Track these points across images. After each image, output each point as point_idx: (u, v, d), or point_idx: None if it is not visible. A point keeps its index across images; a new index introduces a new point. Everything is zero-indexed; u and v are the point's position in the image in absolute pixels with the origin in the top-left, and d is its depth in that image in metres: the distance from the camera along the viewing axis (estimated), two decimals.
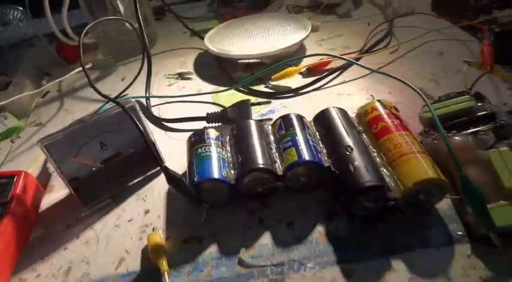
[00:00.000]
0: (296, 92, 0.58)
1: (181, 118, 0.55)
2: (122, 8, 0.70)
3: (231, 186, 0.40)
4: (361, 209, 0.38)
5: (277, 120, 0.46)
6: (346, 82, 0.60)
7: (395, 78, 0.47)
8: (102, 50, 0.78)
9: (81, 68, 0.49)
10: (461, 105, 0.44)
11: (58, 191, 0.48)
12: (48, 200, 0.47)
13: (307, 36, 0.65)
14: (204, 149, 0.43)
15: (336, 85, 0.59)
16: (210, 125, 0.54)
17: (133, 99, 0.45)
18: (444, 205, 0.38)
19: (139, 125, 0.40)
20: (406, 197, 0.36)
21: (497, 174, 0.36)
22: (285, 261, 0.36)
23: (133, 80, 0.65)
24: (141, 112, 0.45)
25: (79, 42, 0.46)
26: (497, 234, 0.33)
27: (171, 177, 0.38)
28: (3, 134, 0.60)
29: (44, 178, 0.50)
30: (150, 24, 0.80)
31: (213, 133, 0.45)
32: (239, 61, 0.65)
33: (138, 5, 0.66)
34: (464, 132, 0.42)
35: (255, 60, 0.64)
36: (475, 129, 0.42)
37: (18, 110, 0.64)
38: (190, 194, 0.39)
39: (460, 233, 0.36)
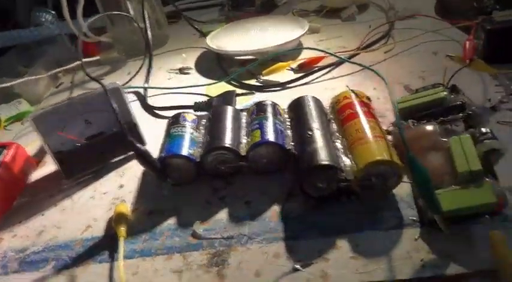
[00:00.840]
0: (284, 86, 0.60)
1: (171, 106, 0.58)
2: (131, 11, 0.75)
3: (197, 163, 0.42)
4: (314, 189, 0.38)
5: (252, 106, 0.48)
6: (334, 78, 0.60)
7: (366, 67, 0.48)
8: (117, 48, 0.84)
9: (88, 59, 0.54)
10: (434, 96, 0.43)
11: (49, 167, 0.52)
12: (39, 173, 0.51)
13: (302, 34, 0.67)
14: (177, 129, 0.45)
15: (324, 80, 0.60)
16: (198, 113, 0.56)
17: (118, 83, 0.48)
18: (402, 191, 0.38)
19: (114, 105, 0.43)
20: (359, 179, 0.36)
21: (454, 160, 0.35)
22: (235, 235, 0.37)
23: (136, 74, 0.69)
24: (126, 95, 0.49)
25: (78, 38, 0.50)
26: (443, 218, 0.32)
27: (136, 150, 0.40)
28: (16, 116, 0.65)
29: (40, 155, 0.55)
30: (162, 26, 0.85)
31: (189, 116, 0.48)
32: (235, 58, 0.68)
33: (144, 8, 0.71)
34: (434, 121, 0.41)
35: (250, 57, 0.66)
36: (445, 118, 0.41)
37: (33, 97, 0.70)
38: (155, 168, 0.41)
39: (413, 218, 0.36)
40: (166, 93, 0.64)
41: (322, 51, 0.59)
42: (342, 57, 0.59)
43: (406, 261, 0.32)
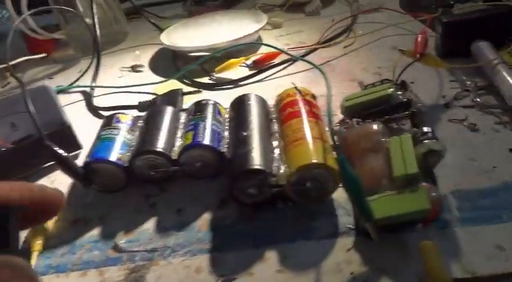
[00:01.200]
0: (236, 83, 0.57)
1: (114, 106, 0.55)
2: (81, 8, 0.71)
3: (126, 169, 0.39)
4: (246, 196, 0.35)
5: (191, 105, 0.45)
6: (290, 75, 0.57)
7: (305, 60, 0.45)
8: (73, 46, 0.80)
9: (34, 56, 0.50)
10: (380, 93, 0.41)
11: None
12: None
13: (258, 29, 0.64)
14: (107, 132, 0.42)
15: (279, 77, 0.57)
16: (143, 113, 0.53)
17: (46, 82, 0.45)
18: (341, 196, 0.35)
19: (30, 106, 0.40)
20: (292, 184, 0.34)
21: (391, 162, 0.33)
22: (159, 247, 0.34)
23: (84, 73, 0.66)
24: (56, 96, 0.45)
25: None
26: (375, 226, 0.29)
27: (54, 155, 0.37)
28: None
29: None
30: (120, 22, 0.82)
31: (124, 117, 0.44)
32: (190, 54, 0.65)
33: (93, 4, 0.68)
34: (379, 120, 0.39)
35: (205, 54, 0.63)
36: (390, 117, 0.39)
37: None
38: (75, 174, 0.38)
39: (349, 225, 0.33)
40: (114, 92, 0.61)
41: (268, 45, 0.56)
42: (291, 53, 0.56)
43: (335, 274, 0.29)
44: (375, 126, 0.37)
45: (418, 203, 0.29)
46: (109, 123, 0.43)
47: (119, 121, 0.44)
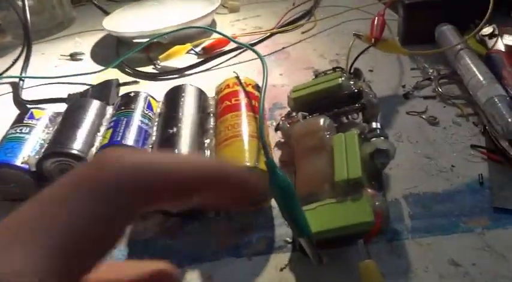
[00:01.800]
0: (181, 72, 0.51)
1: (40, 100, 0.48)
2: None
3: (34, 174, 0.33)
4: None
5: (118, 98, 0.39)
6: (242, 63, 0.52)
7: (250, 48, 0.40)
8: (10, 33, 0.72)
9: None
10: (330, 83, 0.36)
11: None
12: None
13: (208, 14, 0.58)
14: (16, 130, 0.36)
15: (230, 66, 0.52)
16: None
17: None
18: None
19: None
20: None
21: (334, 164, 0.28)
22: None
23: (15, 62, 0.58)
24: None
25: None
26: (312, 241, 0.25)
27: None
28: None
29: None
30: (64, 7, 0.74)
31: (39, 113, 0.38)
32: (134, 41, 0.58)
33: None
34: (327, 113, 0.34)
35: (151, 40, 0.57)
36: (339, 110, 0.34)
37: None
38: None
39: (286, 239, 0.28)
40: (49, 83, 0.55)
41: (209, 29, 0.51)
42: (239, 41, 0.51)
43: None
44: (320, 121, 0.32)
45: (359, 214, 0.24)
46: (20, 120, 0.37)
47: (32, 117, 0.38)
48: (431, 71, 0.42)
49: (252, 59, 0.52)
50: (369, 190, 0.26)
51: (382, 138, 0.28)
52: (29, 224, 0.11)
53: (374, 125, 0.29)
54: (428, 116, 0.37)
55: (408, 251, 0.26)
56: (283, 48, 0.53)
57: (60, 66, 0.59)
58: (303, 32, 0.56)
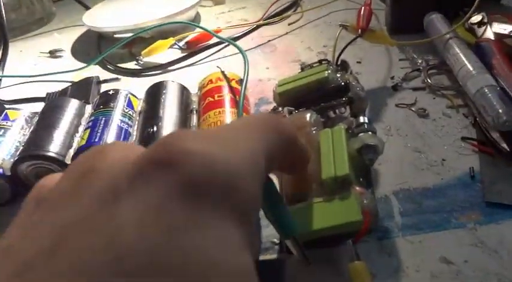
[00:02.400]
0: (164, 68, 0.50)
1: (17, 100, 0.46)
2: None
3: (9, 178, 0.32)
4: None
5: (96, 97, 0.37)
6: (226, 57, 0.51)
7: (232, 43, 0.39)
8: None
9: None
10: (315, 76, 0.35)
11: None
12: None
13: (191, 6, 0.56)
14: None
15: (214, 60, 0.50)
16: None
17: None
18: None
19: None
20: None
21: (321, 161, 0.27)
22: None
23: None
24: None
25: None
26: (300, 242, 0.24)
27: None
28: None
29: None
30: (42, 2, 0.72)
31: (14, 114, 0.37)
32: (115, 36, 0.57)
33: None
34: (313, 108, 0.33)
35: (134, 35, 0.55)
36: (326, 104, 0.33)
37: None
38: None
39: (275, 240, 0.27)
40: (27, 82, 0.53)
41: (192, 25, 0.50)
42: (220, 36, 0.50)
43: None
44: (306, 116, 0.31)
45: (347, 213, 0.23)
46: None
47: (7, 119, 0.36)
48: (420, 61, 0.41)
49: (238, 53, 0.50)
50: (357, 188, 0.25)
51: (370, 133, 0.27)
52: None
53: (361, 119, 0.28)
54: (418, 108, 0.36)
55: (399, 250, 0.25)
56: (269, 41, 0.52)
57: (39, 64, 0.57)
58: (289, 24, 0.55)
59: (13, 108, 0.37)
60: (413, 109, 0.36)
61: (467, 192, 0.28)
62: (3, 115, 0.36)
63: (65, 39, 0.62)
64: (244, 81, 0.31)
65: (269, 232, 0.28)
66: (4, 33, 0.55)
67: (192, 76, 0.47)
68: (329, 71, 0.34)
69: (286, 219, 0.24)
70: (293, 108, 0.34)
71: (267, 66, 0.47)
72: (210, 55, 0.51)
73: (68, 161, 0.31)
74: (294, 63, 0.46)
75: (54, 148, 0.32)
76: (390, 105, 0.37)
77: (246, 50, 0.51)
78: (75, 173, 0.13)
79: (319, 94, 0.34)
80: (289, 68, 0.45)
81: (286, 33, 0.53)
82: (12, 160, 0.32)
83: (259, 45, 0.51)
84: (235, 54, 0.50)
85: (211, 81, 0.36)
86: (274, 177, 0.25)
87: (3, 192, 0.32)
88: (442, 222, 0.26)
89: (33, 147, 0.32)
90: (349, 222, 0.23)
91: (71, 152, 0.32)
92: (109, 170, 0.12)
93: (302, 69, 0.39)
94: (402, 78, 0.40)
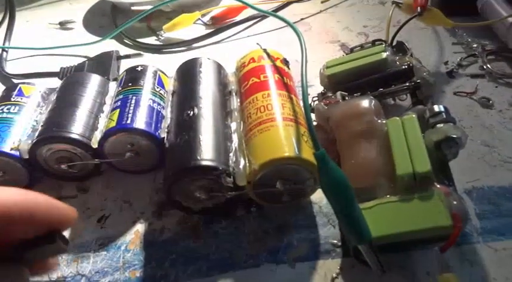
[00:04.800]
0: (189, 45, 0.45)
1: (28, 74, 0.42)
2: None
3: (26, 162, 0.28)
4: (192, 201, 0.25)
5: (122, 73, 0.33)
6: (255, 35, 0.46)
7: (276, 16, 0.35)
8: None
9: None
10: (372, 58, 0.31)
11: None
12: None
13: None
14: (3, 110, 0.30)
15: (244, 38, 0.46)
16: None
17: None
18: (323, 198, 0.26)
19: None
20: (256, 186, 0.24)
21: (392, 154, 0.24)
22: (69, 276, 0.24)
23: None
24: None
25: None
26: (372, 247, 0.21)
27: None
28: None
29: None
30: None
31: (29, 89, 0.33)
32: (132, 8, 0.52)
33: None
34: (372, 93, 0.29)
35: (154, 8, 0.51)
36: (385, 89, 0.29)
37: None
38: None
39: (334, 241, 0.24)
40: (37, 55, 0.48)
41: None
42: (258, 7, 0.45)
43: None
44: (366, 103, 0.27)
45: (432, 216, 0.20)
46: (7, 97, 0.31)
47: (21, 94, 0.32)
48: (475, 45, 0.38)
49: (269, 31, 0.46)
50: (439, 186, 0.22)
51: (450, 123, 0.23)
52: None
53: (437, 107, 0.25)
54: (480, 98, 0.32)
55: (482, 258, 0.22)
56: (302, 19, 0.48)
57: (49, 35, 0.52)
58: (322, 1, 0.51)
59: (27, 83, 0.33)
60: (474, 98, 0.32)
61: None
62: (17, 90, 0.32)
63: (76, 9, 0.57)
64: (304, 62, 0.27)
65: (328, 232, 0.25)
66: (10, 1, 0.50)
67: (220, 54, 0.43)
68: (387, 53, 0.31)
69: (361, 222, 0.21)
70: (346, 94, 0.30)
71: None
72: (238, 32, 0.47)
73: (93, 144, 0.28)
74: (332, 44, 0.43)
75: (78, 129, 0.28)
76: (448, 94, 0.33)
77: (280, 28, 0.47)
78: None
79: (376, 78, 0.30)
80: (328, 49, 0.41)
81: (320, 11, 0.49)
82: (30, 142, 0.28)
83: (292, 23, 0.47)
84: (267, 31, 0.46)
85: (253, 59, 0.32)
86: None
87: (19, 177, 0.29)
88: None
89: (55, 128, 0.28)
90: (436, 227, 0.20)
91: (97, 134, 0.28)
92: None
93: (351, 50, 0.35)
94: (457, 63, 0.36)
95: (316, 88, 0.36)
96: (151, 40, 0.48)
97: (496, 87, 0.33)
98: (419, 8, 0.33)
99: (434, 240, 0.21)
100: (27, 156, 0.28)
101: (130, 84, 0.31)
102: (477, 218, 0.24)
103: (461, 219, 0.20)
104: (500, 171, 0.27)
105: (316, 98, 0.32)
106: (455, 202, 0.20)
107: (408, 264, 0.22)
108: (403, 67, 0.29)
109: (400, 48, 0.33)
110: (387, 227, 0.21)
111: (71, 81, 0.33)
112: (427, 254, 0.22)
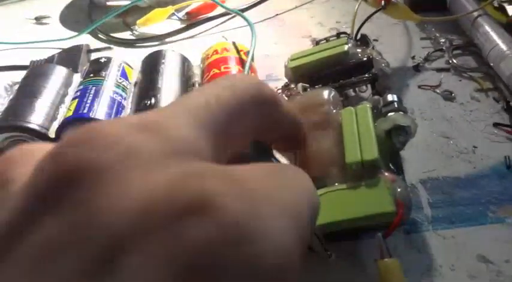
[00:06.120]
0: (162, 39, 0.45)
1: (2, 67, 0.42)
2: None
3: None
4: None
5: (86, 65, 0.33)
6: (229, 30, 0.47)
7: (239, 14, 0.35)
8: None
9: None
10: (333, 50, 0.31)
11: None
12: None
13: None
14: None
15: (219, 32, 0.46)
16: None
17: None
18: None
19: None
20: None
21: (344, 143, 0.24)
22: None
23: None
24: None
25: None
26: (319, 234, 0.21)
27: None
28: None
29: None
30: None
31: None
32: (108, 3, 0.52)
33: None
34: (332, 85, 0.30)
35: (126, 3, 0.51)
36: (346, 81, 0.29)
37: None
38: None
39: None
40: (10, 49, 0.48)
41: None
42: (227, 6, 0.45)
43: None
44: (324, 94, 0.27)
45: (377, 203, 0.20)
46: None
47: None
48: (443, 41, 0.38)
49: (243, 26, 0.46)
50: (386, 174, 0.22)
51: (401, 112, 0.23)
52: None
53: (390, 97, 0.25)
54: (443, 91, 0.32)
55: (430, 245, 0.22)
56: (277, 14, 0.48)
57: (24, 31, 0.52)
58: None
59: None
60: (438, 91, 0.33)
61: (503, 183, 0.25)
62: None
63: (52, 5, 0.57)
64: (252, 52, 0.28)
65: None
66: None
67: (192, 49, 0.43)
68: (349, 45, 0.31)
69: None
70: (308, 85, 0.30)
71: (275, 41, 0.43)
72: (211, 28, 0.47)
73: (51, 134, 0.28)
74: (304, 39, 0.43)
75: (36, 119, 0.28)
76: (412, 87, 0.34)
77: (255, 23, 0.47)
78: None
79: (338, 70, 0.30)
80: (299, 44, 0.41)
81: (296, 7, 0.49)
82: None
83: (266, 19, 0.47)
84: (239, 27, 0.46)
85: (216, 51, 0.32)
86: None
87: None
88: (477, 216, 0.23)
89: (11, 118, 0.28)
90: (380, 213, 0.20)
91: (55, 124, 0.28)
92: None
93: (317, 43, 0.35)
94: (424, 58, 0.36)
95: (284, 82, 0.36)
96: (125, 35, 0.48)
97: (460, 80, 0.34)
98: (383, 1, 0.34)
99: (378, 226, 0.21)
100: None
101: (92, 75, 0.31)
102: (429, 207, 0.24)
103: (404, 206, 0.20)
104: (456, 162, 0.27)
105: (280, 90, 0.32)
106: (399, 189, 0.21)
107: (356, 252, 0.22)
108: (364, 59, 0.29)
109: (363, 41, 0.33)
110: (333, 214, 0.21)
111: (35, 73, 0.33)
112: (374, 242, 0.22)
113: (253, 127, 0.12)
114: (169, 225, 0.07)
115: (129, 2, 0.49)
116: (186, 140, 0.09)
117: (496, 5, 0.37)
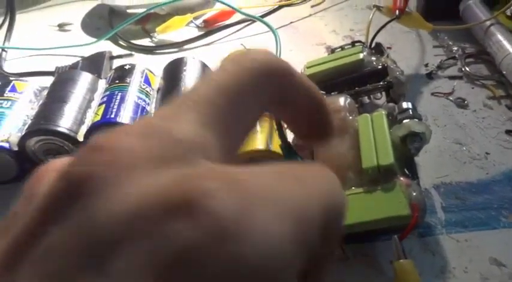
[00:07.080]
0: (180, 46, 0.47)
1: (24, 73, 0.44)
2: None
3: (16, 154, 0.30)
4: None
5: (111, 71, 0.35)
6: (246, 37, 0.48)
7: (260, 20, 0.36)
8: None
9: None
10: (349, 58, 0.32)
11: None
12: None
13: None
14: None
15: (235, 39, 0.48)
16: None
17: None
18: None
19: None
20: None
21: (360, 148, 0.25)
22: None
23: None
24: None
25: None
26: None
27: None
28: None
29: None
30: None
31: (22, 85, 0.34)
32: (128, 11, 0.54)
33: None
34: (347, 92, 0.31)
35: (148, 10, 0.52)
36: (361, 88, 0.30)
37: None
38: None
39: None
40: (34, 55, 0.50)
41: (218, 1, 0.47)
42: (247, 12, 0.47)
43: None
44: (340, 100, 0.28)
45: (393, 206, 0.21)
46: (0, 93, 0.33)
47: (14, 90, 0.33)
48: (455, 48, 0.39)
49: (259, 33, 0.48)
50: (402, 179, 0.23)
51: (415, 119, 0.24)
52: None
53: (405, 104, 0.26)
54: (456, 98, 0.33)
55: (444, 248, 0.23)
56: (291, 22, 0.49)
57: (47, 37, 0.54)
58: (312, 6, 0.52)
59: (21, 80, 0.35)
60: (451, 98, 0.33)
61: None
62: (10, 86, 0.34)
63: (74, 12, 0.59)
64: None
65: None
66: (11, 2, 0.52)
67: (210, 56, 0.45)
68: (364, 53, 0.32)
69: None
70: (324, 92, 0.31)
71: (290, 48, 0.44)
72: (228, 35, 0.49)
73: (80, 138, 0.29)
74: (318, 46, 0.44)
75: (65, 123, 0.29)
76: (426, 94, 0.34)
77: (267, 32, 0.48)
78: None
79: (353, 78, 0.31)
80: (314, 51, 0.43)
81: (309, 15, 0.50)
82: (19, 134, 0.30)
83: (281, 26, 0.49)
84: (256, 34, 0.48)
85: None
86: None
87: (9, 168, 0.30)
88: (490, 221, 0.24)
89: (43, 121, 0.29)
90: (396, 216, 0.21)
91: (84, 128, 0.30)
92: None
93: (332, 51, 0.36)
94: (437, 66, 0.37)
95: None
96: (145, 42, 0.50)
97: (473, 88, 0.34)
98: (397, 11, 0.35)
99: (394, 229, 0.22)
100: (16, 148, 0.29)
101: (117, 81, 0.32)
102: (443, 211, 0.25)
103: (419, 209, 0.21)
104: (469, 167, 0.28)
105: None
106: (414, 193, 0.21)
107: (372, 253, 0.23)
108: (378, 67, 0.30)
109: (378, 50, 0.34)
110: (350, 217, 0.22)
111: (62, 78, 0.34)
112: (390, 244, 0.23)
113: (264, 101, 0.12)
114: (154, 227, 0.07)
115: (142, 9, 0.50)
116: (190, 139, 0.09)
117: (508, 13, 0.38)
